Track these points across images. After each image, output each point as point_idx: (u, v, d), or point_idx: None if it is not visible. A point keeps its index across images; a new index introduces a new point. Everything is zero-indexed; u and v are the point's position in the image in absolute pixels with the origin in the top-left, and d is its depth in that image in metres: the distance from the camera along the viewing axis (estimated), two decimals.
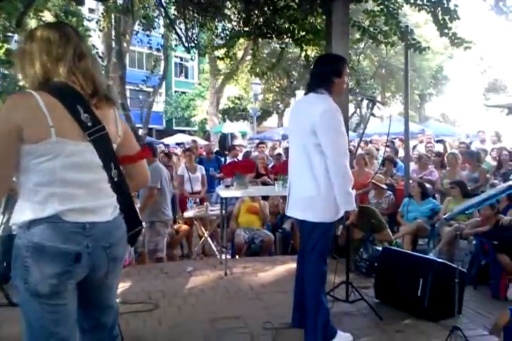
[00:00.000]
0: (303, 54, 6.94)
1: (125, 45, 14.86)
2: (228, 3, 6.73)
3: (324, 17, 6.36)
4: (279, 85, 20.81)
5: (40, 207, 1.59)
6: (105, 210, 1.70)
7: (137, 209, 1.92)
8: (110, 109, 1.76)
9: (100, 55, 12.72)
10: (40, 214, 1.58)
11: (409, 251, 4.34)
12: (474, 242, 5.52)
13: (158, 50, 11.94)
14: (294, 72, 20.29)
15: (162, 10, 6.79)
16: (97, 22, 11.51)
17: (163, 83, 19.97)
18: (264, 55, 16.56)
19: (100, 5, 11.89)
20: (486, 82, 31.59)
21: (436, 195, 7.31)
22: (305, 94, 3.09)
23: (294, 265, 4.80)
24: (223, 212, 4.81)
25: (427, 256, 3.88)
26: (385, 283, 3.66)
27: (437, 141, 10.14)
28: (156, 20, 8.39)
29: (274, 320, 3.33)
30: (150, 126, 19.90)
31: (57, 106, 1.60)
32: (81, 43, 1.73)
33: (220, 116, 22.91)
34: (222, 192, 4.57)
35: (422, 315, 3.32)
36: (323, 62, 3.10)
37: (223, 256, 4.72)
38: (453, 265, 3.40)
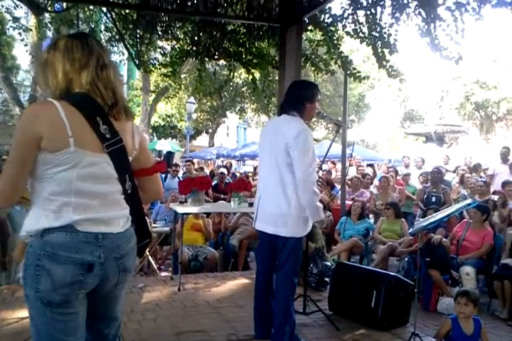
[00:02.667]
0: (249, 77, 7.21)
1: None
2: (177, 23, 6.87)
3: (270, 42, 6.71)
4: (211, 105, 21.02)
5: (55, 216, 1.60)
6: (118, 221, 1.71)
7: (147, 222, 1.95)
8: (129, 121, 1.78)
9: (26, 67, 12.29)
10: (54, 223, 1.59)
11: (363, 266, 4.59)
12: (406, 259, 5.94)
13: None
14: (226, 94, 20.59)
15: (112, 25, 6.77)
16: (19, 33, 11.07)
17: None
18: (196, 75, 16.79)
19: (30, 15, 11.54)
20: (403, 112, 33.87)
21: (370, 215, 7.75)
22: (278, 115, 3.27)
23: (245, 280, 4.98)
24: (177, 227, 4.83)
25: (380, 270, 4.15)
26: (338, 295, 3.87)
27: (367, 165, 10.76)
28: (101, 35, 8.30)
29: (237, 332, 3.41)
30: None
31: (77, 116, 1.61)
32: (103, 54, 1.74)
33: (151, 132, 22.65)
34: (179, 208, 4.61)
35: (375, 325, 3.56)
36: (297, 87, 3.29)
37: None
38: (404, 278, 3.69)
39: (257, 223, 3.25)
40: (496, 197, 7.01)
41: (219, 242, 7.00)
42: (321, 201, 3.19)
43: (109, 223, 1.68)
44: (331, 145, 3.44)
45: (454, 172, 9.18)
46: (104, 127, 1.66)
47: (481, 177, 8.40)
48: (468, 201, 3.29)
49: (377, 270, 4.03)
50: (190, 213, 5.68)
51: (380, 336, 3.46)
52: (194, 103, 17.70)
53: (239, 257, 6.53)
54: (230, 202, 4.93)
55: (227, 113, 22.56)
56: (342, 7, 6.17)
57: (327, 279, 4.57)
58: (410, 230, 3.34)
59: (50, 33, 10.96)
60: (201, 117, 22.99)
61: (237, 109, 20.77)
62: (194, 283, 4.73)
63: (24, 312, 3.68)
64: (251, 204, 4.67)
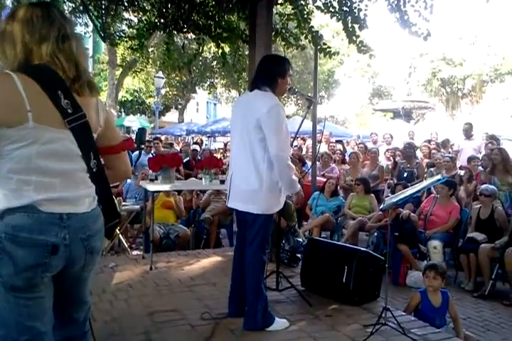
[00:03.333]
0: (219, 51, 7.04)
1: None
2: None
3: (240, 15, 6.55)
4: (180, 80, 20.63)
5: (14, 196, 1.52)
6: (83, 201, 1.64)
7: (115, 202, 1.87)
8: (92, 96, 1.69)
9: None
10: (15, 203, 1.51)
11: (334, 241, 4.64)
12: (376, 234, 6.05)
13: None
14: (195, 68, 20.23)
15: None
16: None
17: None
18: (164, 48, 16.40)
19: None
20: (371, 88, 34.11)
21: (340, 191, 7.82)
22: (250, 90, 3.20)
23: (218, 258, 4.98)
24: (148, 205, 4.76)
25: (351, 246, 4.21)
26: (310, 271, 3.90)
27: (336, 141, 10.83)
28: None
29: (210, 311, 3.41)
30: None
31: (36, 90, 1.52)
32: (66, 24, 1.64)
33: (118, 108, 22.19)
34: (149, 186, 4.52)
35: (347, 300, 3.61)
36: (268, 62, 3.22)
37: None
38: (374, 253, 3.75)
39: (229, 201, 3.21)
40: (462, 172, 7.17)
41: (190, 220, 6.96)
42: None
43: (73, 203, 1.60)
44: (302, 122, 3.40)
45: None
46: (66, 101, 1.58)
47: (449, 152, 8.56)
48: (439, 177, 3.34)
49: (348, 245, 4.09)
50: (161, 191, 5.60)
51: (352, 311, 3.52)
52: (163, 78, 17.32)
53: (211, 234, 6.53)
54: (201, 179, 4.87)
55: (197, 88, 22.21)
56: None
57: (299, 255, 4.61)
58: (381, 206, 3.36)
59: (9, 2, 10.45)
60: (170, 92, 22.59)
61: (206, 84, 20.45)
62: (166, 262, 4.70)
63: None
64: (222, 182, 4.64)
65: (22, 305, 1.55)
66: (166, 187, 4.67)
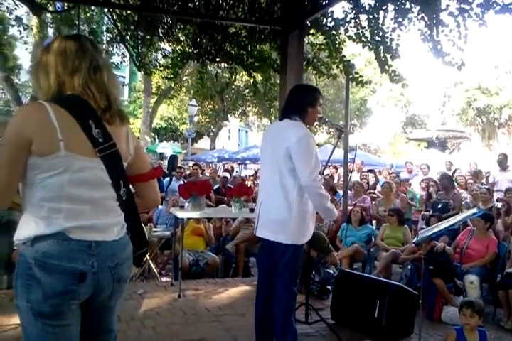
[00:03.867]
0: (251, 80, 7.16)
1: None
2: (179, 25, 6.83)
3: (272, 45, 6.67)
4: (212, 108, 21.00)
5: (45, 223, 1.54)
6: (112, 229, 1.65)
7: (144, 229, 1.88)
8: (123, 125, 1.72)
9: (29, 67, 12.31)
10: (45, 230, 1.53)
11: (365, 274, 4.52)
12: (409, 267, 5.87)
13: None
14: (227, 96, 20.57)
15: (113, 26, 6.73)
16: (20, 32, 11.10)
17: None
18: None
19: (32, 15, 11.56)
20: (405, 117, 33.85)
21: (372, 221, 7.68)
22: (280, 119, 3.21)
23: (246, 287, 4.91)
24: (178, 232, 4.77)
25: (383, 279, 4.08)
26: (341, 304, 3.80)
27: (368, 170, 10.70)
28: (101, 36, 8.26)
29: None
30: None
31: (68, 119, 1.55)
32: (98, 56, 1.68)
33: (152, 134, 22.68)
34: (179, 212, 4.54)
35: (379, 336, 3.48)
36: (298, 92, 3.24)
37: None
38: (407, 288, 3.62)
39: (258, 230, 3.18)
40: (499, 205, 6.94)
41: (219, 247, 6.93)
42: None
43: (102, 230, 1.61)
44: (333, 150, 3.38)
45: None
46: (97, 131, 1.61)
47: (482, 184, 8.32)
48: (474, 210, 3.24)
49: (381, 279, 3.97)
50: (191, 218, 5.61)
51: None
52: (196, 105, 17.66)
53: (238, 262, 6.46)
54: (230, 206, 4.87)
55: (229, 116, 22.53)
56: (344, 11, 6.12)
57: (329, 287, 4.50)
58: (414, 239, 3.26)
59: (51, 33, 10.96)
60: (203, 120, 22.96)
61: (238, 112, 20.73)
62: (194, 290, 4.67)
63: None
64: (252, 210, 4.61)
65: (49, 332, 1.55)
66: (196, 214, 4.68)
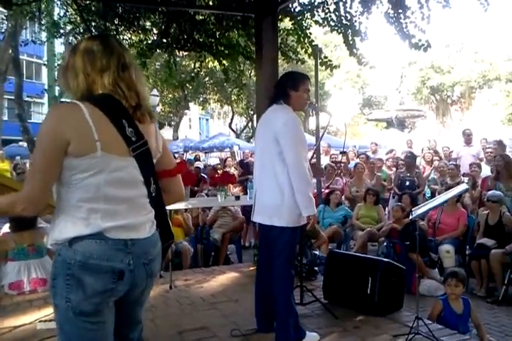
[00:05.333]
0: (221, 67, 7.12)
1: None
2: (146, 14, 6.69)
3: (240, 32, 6.64)
4: (173, 97, 20.72)
5: (83, 224, 1.55)
6: (144, 226, 1.67)
7: (170, 223, 1.90)
8: (152, 123, 1.73)
9: None
10: (84, 230, 1.54)
11: (355, 253, 4.66)
12: (385, 244, 6.08)
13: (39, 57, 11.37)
14: (188, 85, 20.32)
15: (75, 17, 6.53)
16: None
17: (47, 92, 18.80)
18: (158, 67, 16.49)
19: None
20: (362, 98, 34.44)
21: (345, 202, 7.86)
22: (268, 105, 3.26)
23: (235, 274, 4.98)
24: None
25: (372, 257, 4.23)
26: (333, 284, 3.92)
27: (341, 152, 10.87)
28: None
29: (238, 327, 3.40)
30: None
31: (102, 119, 1.56)
32: (125, 54, 1.69)
33: None
34: None
35: (372, 311, 3.63)
36: (282, 77, 3.33)
37: None
38: (395, 263, 3.77)
39: (254, 215, 3.24)
40: (465, 179, 7.25)
41: (198, 237, 6.94)
42: None
43: (137, 228, 1.64)
44: (323, 135, 3.45)
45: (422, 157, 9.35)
46: (130, 130, 1.62)
47: (449, 160, 8.64)
48: (465, 186, 3.40)
49: (370, 257, 4.12)
50: (178, 209, 5.58)
51: (379, 321, 3.54)
52: (158, 95, 17.38)
53: (220, 251, 6.51)
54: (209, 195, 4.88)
55: (190, 104, 22.32)
56: None
57: (316, 268, 4.63)
58: (410, 216, 3.41)
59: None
60: (164, 110, 22.64)
61: (200, 100, 20.54)
62: (184, 280, 4.69)
63: (14, 321, 3.56)
64: (238, 198, 4.67)
65: (89, 329, 1.58)
66: (181, 205, 4.68)
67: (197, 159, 12.14)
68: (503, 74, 28.20)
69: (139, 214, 1.66)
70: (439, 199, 3.33)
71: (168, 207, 4.54)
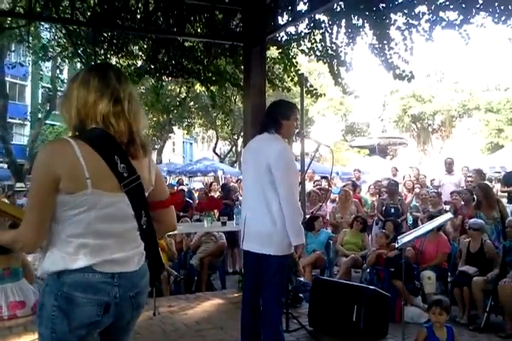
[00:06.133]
0: (208, 94, 7.23)
1: None
2: (135, 40, 6.79)
3: (228, 60, 6.77)
4: (157, 121, 20.75)
5: (72, 258, 1.55)
6: (133, 260, 1.67)
7: (160, 254, 1.89)
8: (145, 157, 1.72)
9: None
10: (72, 265, 1.55)
11: (341, 280, 4.67)
12: (368, 270, 6.11)
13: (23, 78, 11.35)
14: (173, 109, 20.42)
15: (64, 41, 6.59)
16: None
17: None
18: (143, 91, 16.58)
19: None
20: (344, 125, 34.98)
21: (327, 228, 7.89)
22: (259, 133, 3.31)
23: (219, 301, 4.94)
24: None
25: (358, 284, 4.24)
26: (318, 311, 3.91)
27: (322, 177, 10.99)
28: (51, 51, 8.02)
29: None
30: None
31: (93, 156, 1.56)
32: (120, 87, 1.66)
33: None
34: None
35: (357, 339, 3.62)
36: (273, 106, 3.37)
37: None
38: (381, 291, 3.79)
39: (244, 243, 3.24)
40: (447, 207, 7.36)
41: (181, 262, 6.88)
42: None
43: (125, 262, 1.64)
44: (310, 163, 3.51)
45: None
46: (122, 166, 1.61)
47: (431, 188, 8.77)
48: (449, 215, 3.47)
49: (356, 284, 4.13)
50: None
51: None
52: None
53: (201, 276, 6.45)
54: (198, 220, 4.88)
55: (174, 128, 22.36)
56: (298, 25, 6.33)
57: (301, 295, 4.61)
58: (396, 245, 3.45)
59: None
60: (148, 133, 22.63)
61: (184, 124, 20.62)
62: (168, 306, 4.64)
63: None
64: (224, 223, 4.66)
65: None
66: None
67: (180, 183, 12.11)
68: (482, 103, 29.03)
69: (128, 247, 1.66)
70: (425, 227, 3.40)
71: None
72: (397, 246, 3.45)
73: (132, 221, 1.68)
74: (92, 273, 1.56)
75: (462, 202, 7.24)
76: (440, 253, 6.08)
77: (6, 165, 15.09)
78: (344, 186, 9.02)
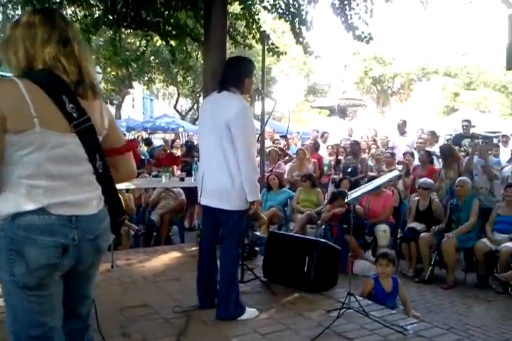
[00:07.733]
0: (167, 48, 7.04)
1: None
2: None
3: (188, 14, 6.59)
4: (116, 75, 20.10)
5: (25, 200, 1.56)
6: (91, 203, 1.69)
7: (121, 200, 1.92)
8: (96, 99, 1.72)
9: None
10: (25, 206, 1.55)
11: (294, 234, 4.85)
12: (323, 227, 6.37)
13: None
14: (133, 63, 19.77)
15: None
16: None
17: None
18: (101, 43, 15.94)
19: None
20: (307, 85, 34.94)
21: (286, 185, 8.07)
22: (218, 91, 3.31)
23: (177, 254, 5.06)
24: None
25: (310, 237, 4.43)
26: (272, 263, 4.09)
27: (281, 136, 11.09)
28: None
29: (180, 304, 3.49)
30: None
31: (41, 95, 1.55)
32: (68, 28, 1.66)
33: None
34: None
35: (308, 289, 3.83)
36: (235, 64, 3.36)
37: None
38: (331, 244, 3.99)
39: (202, 199, 3.32)
40: (399, 167, 7.64)
41: (140, 217, 6.94)
42: None
43: (82, 205, 1.66)
44: (267, 120, 3.56)
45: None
46: (71, 106, 1.61)
47: (386, 149, 9.02)
48: (396, 172, 3.64)
49: (308, 237, 4.32)
50: (120, 189, 5.55)
51: (314, 298, 3.75)
52: (100, 73, 16.82)
53: (161, 232, 6.56)
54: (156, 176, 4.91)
55: (134, 83, 21.78)
56: None
57: (257, 248, 4.79)
58: (346, 200, 3.61)
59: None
60: (106, 88, 21.94)
61: (144, 79, 20.07)
62: (126, 259, 4.72)
63: None
64: (182, 179, 4.71)
65: (34, 302, 1.61)
66: (124, 185, 4.67)
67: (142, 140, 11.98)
68: (441, 68, 29.51)
69: (83, 190, 1.67)
70: (373, 184, 3.56)
71: (127, 187, 4.50)
72: (346, 200, 3.60)
73: (86, 164, 1.69)
74: (47, 216, 1.57)
75: (418, 163, 7.52)
76: (387, 208, 6.38)
77: None
78: (302, 145, 9.16)
